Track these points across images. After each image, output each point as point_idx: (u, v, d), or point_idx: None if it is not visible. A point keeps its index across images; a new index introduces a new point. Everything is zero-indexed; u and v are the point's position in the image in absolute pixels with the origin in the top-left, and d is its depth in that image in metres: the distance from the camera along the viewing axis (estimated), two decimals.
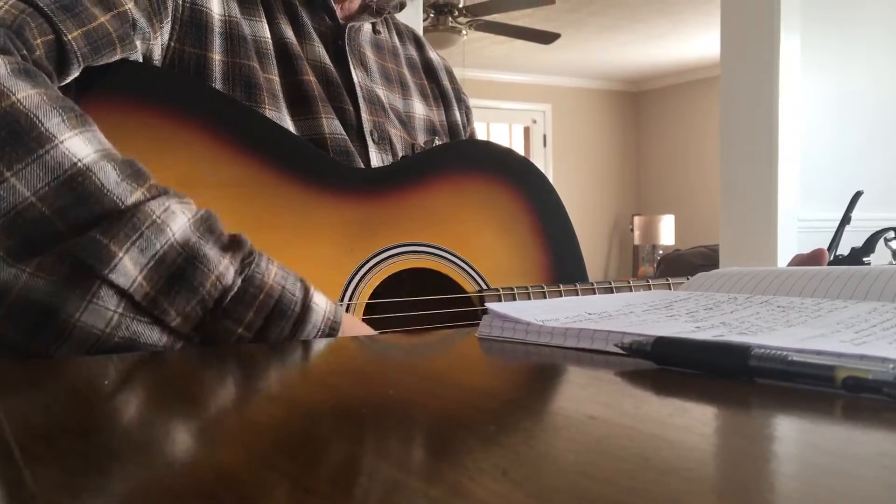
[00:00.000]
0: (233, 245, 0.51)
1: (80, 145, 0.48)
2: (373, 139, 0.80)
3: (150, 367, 0.42)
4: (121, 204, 0.48)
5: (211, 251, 0.50)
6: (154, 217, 0.48)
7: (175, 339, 0.49)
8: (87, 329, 0.46)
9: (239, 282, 0.50)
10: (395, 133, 0.84)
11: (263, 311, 0.51)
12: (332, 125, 0.76)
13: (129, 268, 0.46)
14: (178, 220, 0.49)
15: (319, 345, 0.50)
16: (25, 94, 0.48)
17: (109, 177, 0.48)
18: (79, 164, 0.47)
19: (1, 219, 0.45)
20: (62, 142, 0.47)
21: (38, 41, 0.54)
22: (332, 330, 0.54)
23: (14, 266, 0.45)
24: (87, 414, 0.31)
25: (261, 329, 0.51)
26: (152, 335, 0.48)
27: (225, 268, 0.50)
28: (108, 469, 0.23)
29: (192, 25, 0.70)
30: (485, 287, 0.78)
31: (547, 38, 4.37)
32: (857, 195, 0.88)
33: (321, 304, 0.54)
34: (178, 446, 0.26)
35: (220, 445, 0.26)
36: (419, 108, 0.93)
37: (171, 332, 0.48)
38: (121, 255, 0.46)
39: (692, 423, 0.27)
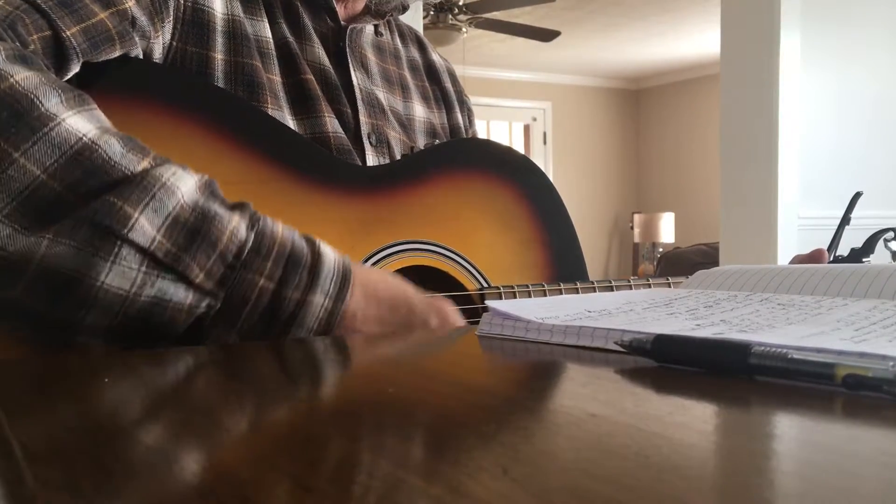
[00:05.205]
0: (237, 205, 0.53)
1: (81, 123, 0.49)
2: (370, 142, 0.80)
3: (151, 366, 0.42)
4: (129, 172, 0.48)
5: (220, 209, 0.51)
6: (164, 180, 0.49)
7: (200, 297, 0.49)
8: (112, 291, 0.46)
9: (252, 236, 0.51)
10: (394, 136, 0.84)
11: (280, 261, 0.52)
12: (334, 124, 0.77)
13: (146, 227, 0.47)
14: (187, 183, 0.50)
15: (319, 343, 0.50)
16: (23, 75, 0.49)
17: (115, 149, 0.49)
18: (84, 138, 0.48)
19: (15, 200, 0.46)
20: (64, 119, 0.48)
21: (34, 37, 0.55)
22: (344, 277, 0.54)
23: (32, 235, 0.46)
24: (88, 413, 0.31)
25: (281, 279, 0.51)
26: (178, 293, 0.48)
27: (237, 223, 0.51)
28: (109, 468, 0.23)
29: (194, 25, 0.70)
30: (485, 285, 0.78)
31: (547, 35, 4.37)
32: (857, 196, 0.88)
33: (329, 252, 0.55)
34: (180, 445, 0.26)
35: (222, 444, 0.26)
36: (420, 111, 0.93)
37: (196, 289, 0.49)
38: (136, 215, 0.47)
39: (692, 420, 0.28)
